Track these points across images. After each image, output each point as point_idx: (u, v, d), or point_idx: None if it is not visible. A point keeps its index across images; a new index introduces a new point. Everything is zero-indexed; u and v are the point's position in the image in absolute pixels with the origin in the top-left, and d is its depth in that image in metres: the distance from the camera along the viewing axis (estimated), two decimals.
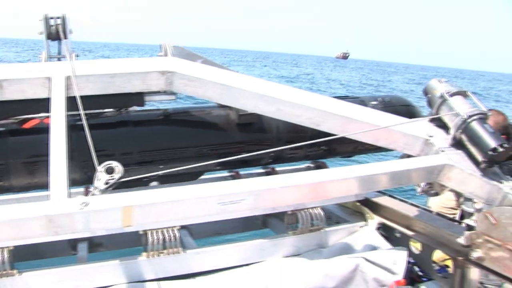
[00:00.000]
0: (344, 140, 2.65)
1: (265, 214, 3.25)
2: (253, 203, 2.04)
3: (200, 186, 1.99)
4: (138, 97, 2.54)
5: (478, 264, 2.38)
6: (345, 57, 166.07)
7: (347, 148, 3.21)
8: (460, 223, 2.82)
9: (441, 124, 2.51)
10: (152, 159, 2.68)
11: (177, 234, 2.61)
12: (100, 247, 2.94)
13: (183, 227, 2.76)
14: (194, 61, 2.63)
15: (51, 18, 2.78)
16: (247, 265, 2.69)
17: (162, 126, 2.83)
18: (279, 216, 3.14)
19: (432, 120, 2.53)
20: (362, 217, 3.18)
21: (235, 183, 2.09)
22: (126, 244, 2.92)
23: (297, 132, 2.83)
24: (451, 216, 4.23)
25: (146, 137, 2.75)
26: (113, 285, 2.46)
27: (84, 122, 2.06)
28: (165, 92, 2.59)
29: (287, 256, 2.83)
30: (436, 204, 4.55)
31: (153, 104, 2.63)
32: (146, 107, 2.74)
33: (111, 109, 2.74)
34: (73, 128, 2.23)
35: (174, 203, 1.90)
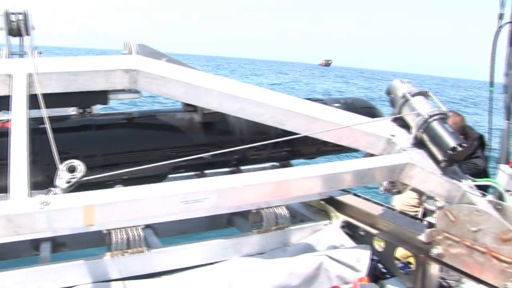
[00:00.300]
0: (307, 141, 2.68)
1: (230, 213, 3.24)
2: (216, 201, 2.04)
3: (163, 185, 1.97)
4: (101, 96, 2.51)
5: (438, 260, 2.43)
6: (327, 64, 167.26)
7: (311, 150, 3.24)
8: (421, 220, 2.88)
9: (403, 123, 2.56)
10: (116, 162, 2.65)
11: (142, 233, 2.59)
12: (63, 247, 2.88)
13: (147, 226, 2.73)
14: (158, 60, 2.62)
15: (12, 13, 2.71)
16: (212, 263, 2.68)
17: (126, 129, 2.81)
18: (244, 214, 3.15)
19: (394, 120, 2.58)
20: (326, 215, 3.21)
21: (198, 182, 2.08)
22: (90, 243, 2.88)
23: (260, 134, 2.85)
24: (414, 213, 4.33)
25: (110, 140, 2.72)
26: (77, 285, 2.41)
27: (46, 120, 2.02)
28: (129, 91, 2.57)
29: (251, 255, 2.83)
30: (399, 202, 4.65)
31: (119, 104, 2.61)
32: (110, 111, 2.71)
33: (74, 112, 2.70)
34: (35, 131, 2.19)
35: (136, 202, 1.88)
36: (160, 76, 2.39)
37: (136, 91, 2.57)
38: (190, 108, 2.95)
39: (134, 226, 2.59)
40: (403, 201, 4.66)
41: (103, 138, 2.71)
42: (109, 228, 2.55)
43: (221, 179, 2.11)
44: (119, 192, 1.90)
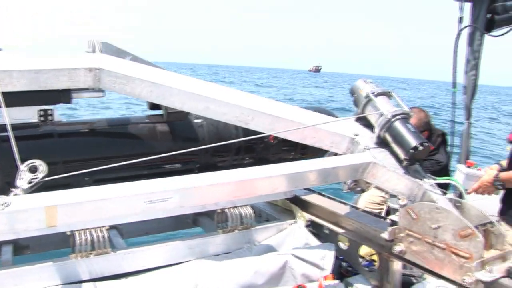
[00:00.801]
0: (270, 149, 2.72)
1: (196, 213, 3.24)
2: (180, 201, 2.04)
3: (126, 184, 1.96)
4: (65, 94, 2.47)
5: (400, 257, 2.48)
6: (317, 70, 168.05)
7: (274, 158, 3.29)
8: (385, 218, 2.93)
9: (366, 123, 2.61)
10: (77, 170, 2.63)
11: (106, 234, 2.55)
12: (26, 249, 2.83)
13: (112, 227, 2.70)
14: (122, 58, 2.59)
15: None
16: (178, 264, 2.67)
17: (89, 137, 2.82)
18: (209, 214, 3.15)
19: (358, 119, 2.62)
20: (291, 214, 3.24)
21: (162, 181, 2.06)
22: (54, 245, 2.83)
23: (222, 141, 2.90)
24: (378, 211, 4.41)
25: (72, 148, 2.72)
26: None
27: (7, 119, 1.98)
28: (93, 89, 2.54)
29: (217, 254, 2.84)
30: (364, 200, 4.72)
31: (81, 103, 2.59)
32: (73, 118, 2.67)
33: (36, 120, 2.68)
34: None
35: (99, 202, 1.86)
36: (124, 75, 2.37)
37: (100, 90, 2.54)
38: (156, 111, 3.00)
39: (98, 227, 2.56)
40: (368, 199, 4.74)
41: (65, 146, 2.70)
42: (73, 229, 2.51)
43: (184, 178, 2.10)
44: (81, 192, 1.87)
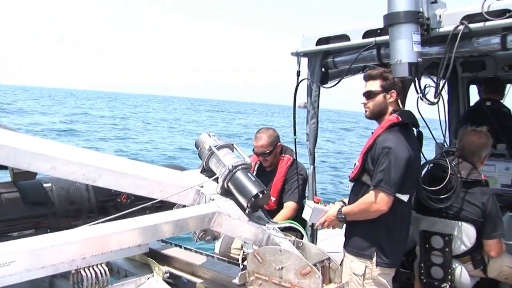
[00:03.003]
0: (124, 208, 2.76)
1: (52, 275, 3.10)
2: (26, 264, 1.97)
3: None
4: None
5: None
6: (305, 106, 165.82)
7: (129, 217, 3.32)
8: (239, 265, 3.06)
9: (211, 174, 2.74)
10: None
11: None
12: None
13: None
14: None
15: None
16: None
17: None
18: (66, 276, 3.03)
19: (203, 171, 2.75)
20: (149, 268, 3.23)
21: (2, 245, 1.98)
22: None
23: (73, 203, 2.96)
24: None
25: None
26: None
27: None
28: None
29: None
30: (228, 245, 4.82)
31: None
32: None
33: None
34: None
35: None
36: None
37: None
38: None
39: None
40: (231, 244, 4.84)
41: None
42: None
43: (28, 240, 2.04)
44: None
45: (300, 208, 4.25)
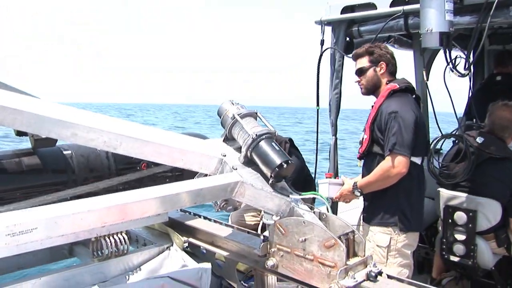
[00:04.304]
0: (144, 176, 2.74)
1: (72, 243, 3.12)
2: (47, 232, 1.94)
3: None
4: None
5: (273, 271, 2.57)
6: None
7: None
8: (258, 235, 3.02)
9: (234, 143, 2.68)
10: None
11: None
12: None
13: None
14: None
15: None
16: None
17: None
18: (85, 243, 3.04)
19: (225, 140, 2.69)
20: (168, 238, 3.22)
21: (24, 212, 1.96)
22: None
23: (92, 171, 2.99)
24: (254, 224, 4.54)
25: None
26: None
27: None
28: None
29: (93, 284, 2.74)
30: (245, 215, 4.81)
31: None
32: None
33: None
34: None
35: None
36: None
37: None
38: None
39: None
40: (248, 215, 4.83)
41: None
42: None
43: (49, 207, 2.02)
44: None
45: None
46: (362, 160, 3.73)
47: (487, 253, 3.72)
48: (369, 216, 3.54)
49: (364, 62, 3.54)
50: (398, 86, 3.42)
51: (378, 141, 3.40)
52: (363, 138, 3.56)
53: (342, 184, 3.60)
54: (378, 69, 3.49)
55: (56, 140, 2.97)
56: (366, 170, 3.55)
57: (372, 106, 3.50)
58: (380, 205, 3.46)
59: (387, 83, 3.50)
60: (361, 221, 3.73)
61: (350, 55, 4.15)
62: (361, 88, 3.60)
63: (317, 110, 4.15)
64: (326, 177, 3.60)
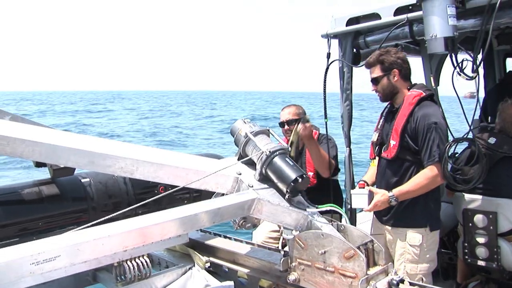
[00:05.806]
0: (163, 199, 2.80)
1: (95, 269, 3.16)
2: (70, 258, 1.99)
3: (6, 249, 1.89)
4: None
5: (295, 285, 2.59)
6: (472, 96, 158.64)
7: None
8: (279, 251, 3.04)
9: (249, 161, 2.72)
10: None
11: None
12: None
13: None
14: (1, 119, 2.54)
15: None
16: None
17: None
18: (108, 269, 3.08)
19: (239, 159, 2.73)
20: (190, 258, 3.25)
21: (46, 241, 2.01)
22: None
23: (111, 197, 3.08)
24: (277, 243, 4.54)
25: None
26: None
27: None
28: None
29: None
30: (262, 234, 4.81)
31: None
32: None
33: None
34: None
35: None
36: (4, 136, 2.30)
37: None
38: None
39: None
40: (267, 232, 4.83)
41: None
42: None
43: (70, 234, 2.07)
44: None
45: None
46: (375, 160, 3.78)
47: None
48: (399, 219, 3.56)
49: (377, 71, 3.56)
50: (424, 94, 3.47)
51: (408, 147, 3.45)
52: (386, 143, 3.57)
53: (368, 193, 3.56)
54: (391, 77, 3.52)
55: (74, 169, 3.04)
56: (392, 174, 3.54)
57: (398, 112, 3.51)
58: (411, 208, 3.53)
59: (408, 89, 3.56)
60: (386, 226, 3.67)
61: (358, 66, 4.19)
62: (379, 96, 3.66)
63: (325, 122, 4.16)
64: (359, 187, 3.58)
